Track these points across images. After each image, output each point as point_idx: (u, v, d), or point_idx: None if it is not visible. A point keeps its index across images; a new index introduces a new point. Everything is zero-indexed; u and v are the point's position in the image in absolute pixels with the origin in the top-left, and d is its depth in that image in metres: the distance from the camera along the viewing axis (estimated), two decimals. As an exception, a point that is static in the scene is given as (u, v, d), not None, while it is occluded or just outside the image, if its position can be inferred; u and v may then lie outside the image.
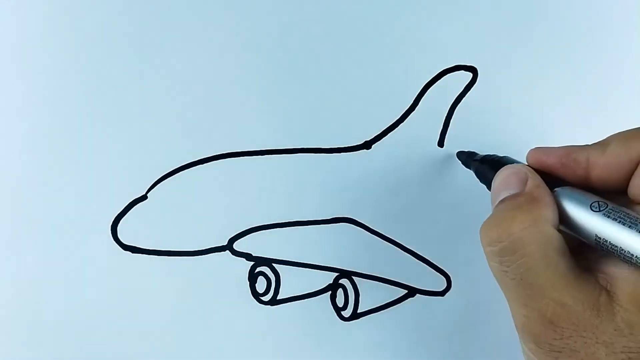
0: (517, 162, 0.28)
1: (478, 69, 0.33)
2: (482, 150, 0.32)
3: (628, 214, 0.22)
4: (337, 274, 0.34)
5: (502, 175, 0.26)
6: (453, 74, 0.33)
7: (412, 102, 0.33)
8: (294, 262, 0.34)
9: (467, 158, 0.32)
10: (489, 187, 0.28)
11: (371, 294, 0.34)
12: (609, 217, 0.22)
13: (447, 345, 0.34)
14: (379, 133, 0.33)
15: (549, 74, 0.34)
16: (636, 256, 0.21)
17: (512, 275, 0.23)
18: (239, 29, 0.32)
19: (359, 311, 0.34)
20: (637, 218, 0.22)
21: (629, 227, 0.22)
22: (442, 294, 0.34)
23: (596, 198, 0.23)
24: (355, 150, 0.33)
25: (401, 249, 0.34)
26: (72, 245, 0.33)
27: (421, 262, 0.34)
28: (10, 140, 0.32)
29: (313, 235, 0.34)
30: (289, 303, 0.34)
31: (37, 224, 0.33)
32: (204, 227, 0.33)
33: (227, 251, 0.33)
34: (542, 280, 0.22)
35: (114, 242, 0.33)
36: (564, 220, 0.24)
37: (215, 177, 0.33)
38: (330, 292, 0.34)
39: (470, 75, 0.33)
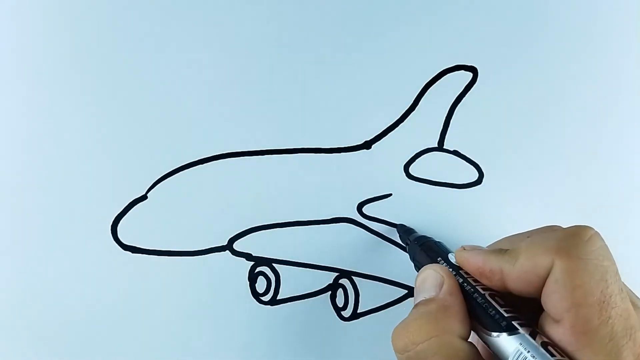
0: (447, 255, 0.28)
1: (478, 69, 0.33)
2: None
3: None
4: (337, 274, 0.34)
5: (421, 276, 0.26)
6: (453, 74, 0.33)
7: (412, 102, 0.33)
8: (294, 262, 0.34)
9: (404, 234, 0.32)
10: (417, 269, 0.28)
11: (371, 294, 0.34)
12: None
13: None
14: (379, 133, 0.33)
15: (549, 74, 0.34)
16: None
17: None
18: (239, 28, 0.32)
19: (359, 311, 0.34)
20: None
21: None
22: (442, 294, 0.34)
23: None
24: (355, 150, 0.33)
25: (401, 249, 0.34)
26: (72, 245, 0.33)
27: (421, 262, 0.34)
28: (10, 140, 0.32)
29: (313, 235, 0.34)
30: (289, 303, 0.34)
31: (37, 224, 0.33)
32: (204, 227, 0.33)
33: (227, 251, 0.33)
34: None
35: (114, 242, 0.33)
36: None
37: (215, 177, 0.33)
38: (330, 292, 0.34)
39: (470, 75, 0.33)
